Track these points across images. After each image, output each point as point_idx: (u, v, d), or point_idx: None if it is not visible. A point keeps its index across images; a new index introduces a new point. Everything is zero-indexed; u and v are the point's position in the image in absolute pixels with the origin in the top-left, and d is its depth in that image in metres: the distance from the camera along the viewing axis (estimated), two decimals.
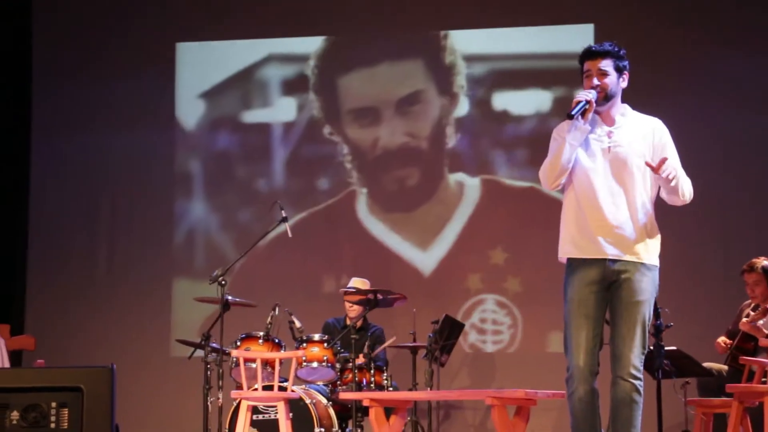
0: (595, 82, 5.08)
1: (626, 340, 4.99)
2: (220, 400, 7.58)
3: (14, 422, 4.09)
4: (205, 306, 8.55)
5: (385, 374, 7.89)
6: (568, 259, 5.14)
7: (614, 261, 5.02)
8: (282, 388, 6.83)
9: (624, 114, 5.18)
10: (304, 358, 7.62)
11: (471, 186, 9.88)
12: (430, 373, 7.99)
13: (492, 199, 9.84)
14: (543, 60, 9.85)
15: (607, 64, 5.12)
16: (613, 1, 9.79)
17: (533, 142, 9.74)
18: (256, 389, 6.93)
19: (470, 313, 9.72)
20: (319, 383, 7.87)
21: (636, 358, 4.97)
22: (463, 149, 9.95)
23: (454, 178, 9.92)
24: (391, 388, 7.88)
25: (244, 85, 10.30)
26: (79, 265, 10.27)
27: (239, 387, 7.45)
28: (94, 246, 10.32)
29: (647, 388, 5.14)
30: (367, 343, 8.15)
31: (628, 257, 5.02)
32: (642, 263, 5.04)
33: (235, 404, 7.41)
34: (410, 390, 8.26)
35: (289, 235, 8.05)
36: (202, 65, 10.33)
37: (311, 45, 10.23)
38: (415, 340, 8.43)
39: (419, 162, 9.99)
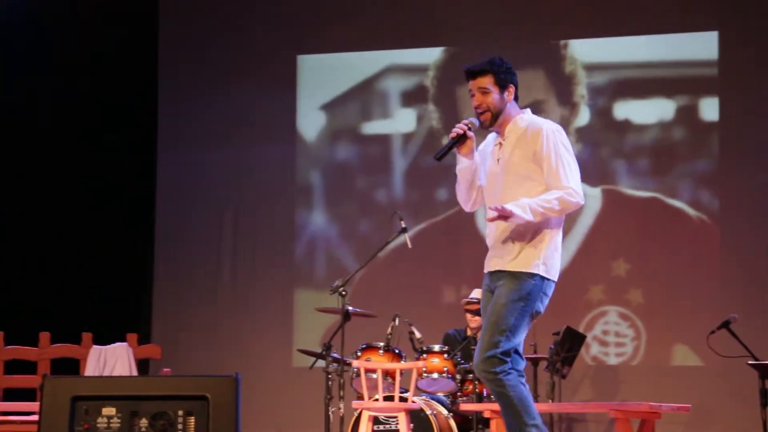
0: (475, 103, 5.15)
1: (480, 341, 5.13)
2: (342, 410, 7.64)
3: (143, 429, 4.18)
4: (326, 316, 8.62)
5: None
6: None
7: (494, 272, 5.20)
8: (403, 399, 6.84)
9: (515, 124, 5.21)
10: (424, 369, 7.63)
11: (592, 196, 9.76)
12: (551, 385, 7.93)
13: (613, 209, 9.71)
14: (665, 68, 9.72)
15: (487, 82, 5.15)
16: (738, 7, 9.59)
17: (655, 151, 9.61)
18: (377, 400, 6.95)
19: (592, 325, 9.61)
20: (439, 394, 7.87)
21: (485, 351, 5.05)
22: (584, 159, 9.81)
23: None
24: None
25: (364, 96, 10.37)
26: (204, 277, 10.45)
27: (360, 397, 7.48)
28: (218, 257, 10.49)
29: (750, 387, 5.00)
30: None
31: (500, 268, 5.16)
32: (510, 272, 5.12)
33: (356, 414, 7.45)
34: None
35: (409, 245, 8.05)
36: (323, 77, 10.44)
37: (430, 56, 10.26)
38: (536, 352, 8.37)
39: None
